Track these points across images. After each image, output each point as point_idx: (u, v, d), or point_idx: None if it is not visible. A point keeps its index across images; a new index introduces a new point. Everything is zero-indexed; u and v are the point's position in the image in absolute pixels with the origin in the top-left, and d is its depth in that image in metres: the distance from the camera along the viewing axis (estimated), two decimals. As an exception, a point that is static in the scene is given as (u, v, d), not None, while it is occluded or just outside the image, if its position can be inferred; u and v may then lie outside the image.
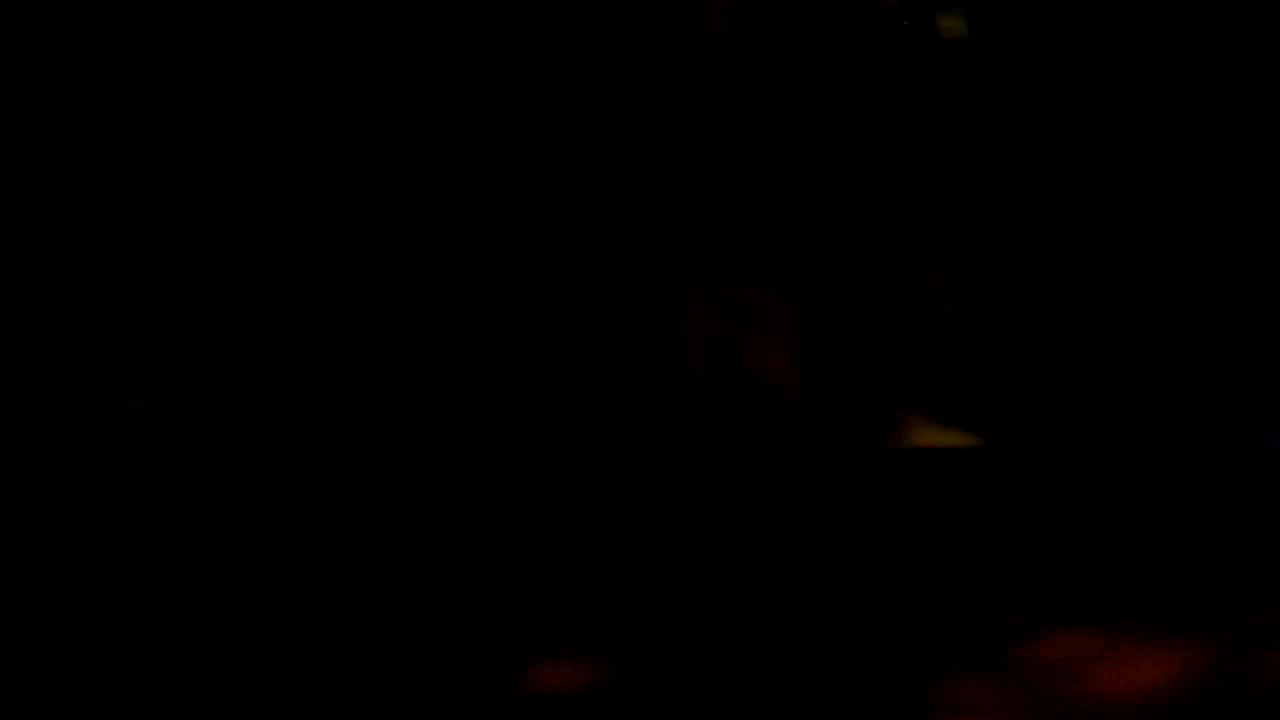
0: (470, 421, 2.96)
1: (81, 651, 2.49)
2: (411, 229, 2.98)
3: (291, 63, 2.88)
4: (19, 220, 2.84)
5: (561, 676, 2.47)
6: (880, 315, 3.05)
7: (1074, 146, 3.07)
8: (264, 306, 2.90)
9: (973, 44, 3.00)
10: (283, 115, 2.88)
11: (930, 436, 3.03)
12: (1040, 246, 3.07)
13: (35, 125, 2.83)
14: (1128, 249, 3.03)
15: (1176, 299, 2.97)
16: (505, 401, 2.98)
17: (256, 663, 2.52)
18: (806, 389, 3.04)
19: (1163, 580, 2.72)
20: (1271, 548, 2.74)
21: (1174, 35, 3.02)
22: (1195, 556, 2.76)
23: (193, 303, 2.87)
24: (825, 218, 3.06)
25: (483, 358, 2.99)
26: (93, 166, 2.86)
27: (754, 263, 3.06)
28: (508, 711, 2.35)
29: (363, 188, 2.95)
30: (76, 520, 2.74)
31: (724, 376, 3.03)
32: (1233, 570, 2.70)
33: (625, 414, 3.00)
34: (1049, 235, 3.07)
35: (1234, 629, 2.48)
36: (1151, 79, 3.01)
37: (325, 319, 2.92)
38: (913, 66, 3.02)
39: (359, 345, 2.94)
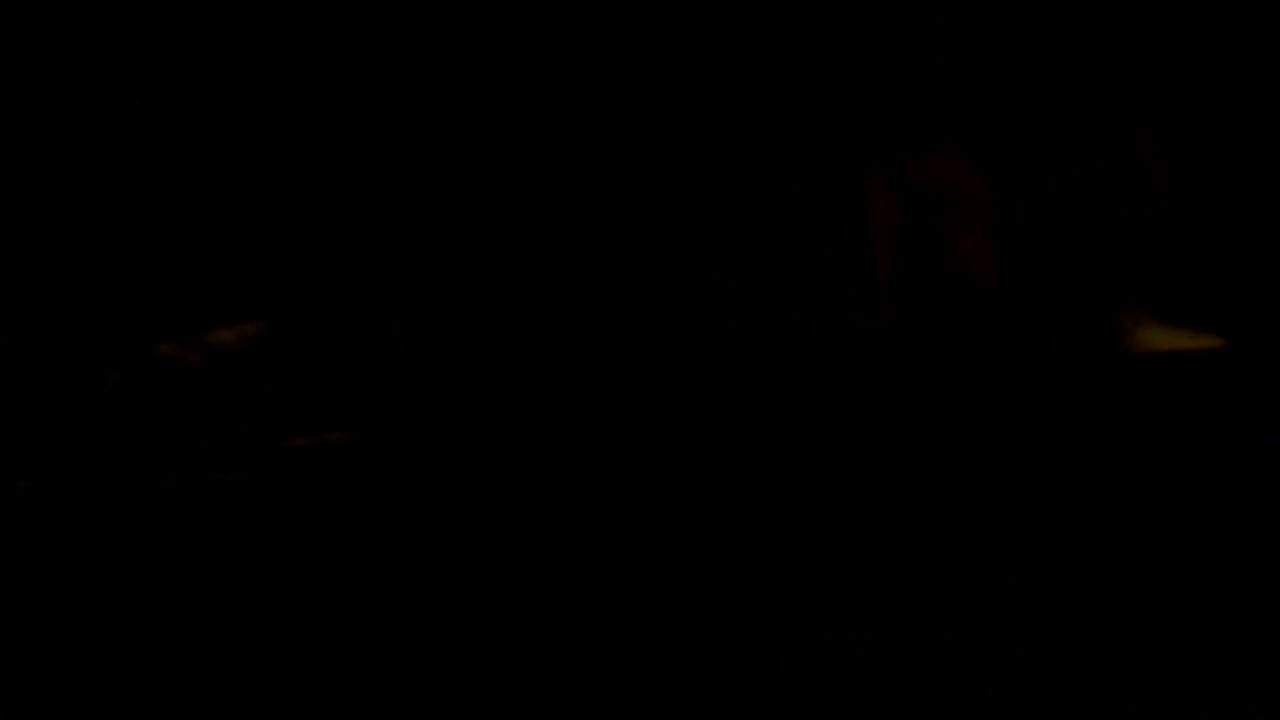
0: (646, 321, 2.56)
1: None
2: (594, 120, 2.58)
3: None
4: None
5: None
6: (1090, 197, 2.61)
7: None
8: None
9: None
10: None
11: (1154, 337, 2.60)
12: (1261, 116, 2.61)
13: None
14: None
15: None
16: (678, 302, 2.58)
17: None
18: (1008, 281, 2.62)
19: None
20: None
21: None
22: None
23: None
24: (1025, 83, 2.62)
25: (651, 250, 2.59)
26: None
27: (946, 137, 2.62)
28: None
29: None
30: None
31: (914, 266, 2.61)
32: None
33: (808, 312, 2.59)
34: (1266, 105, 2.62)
35: None
36: None
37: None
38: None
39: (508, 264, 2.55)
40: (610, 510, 2.39)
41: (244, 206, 2.39)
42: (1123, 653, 2.26)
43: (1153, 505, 2.47)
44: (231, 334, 2.27)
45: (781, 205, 2.59)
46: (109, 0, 2.30)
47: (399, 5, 2.43)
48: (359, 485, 2.23)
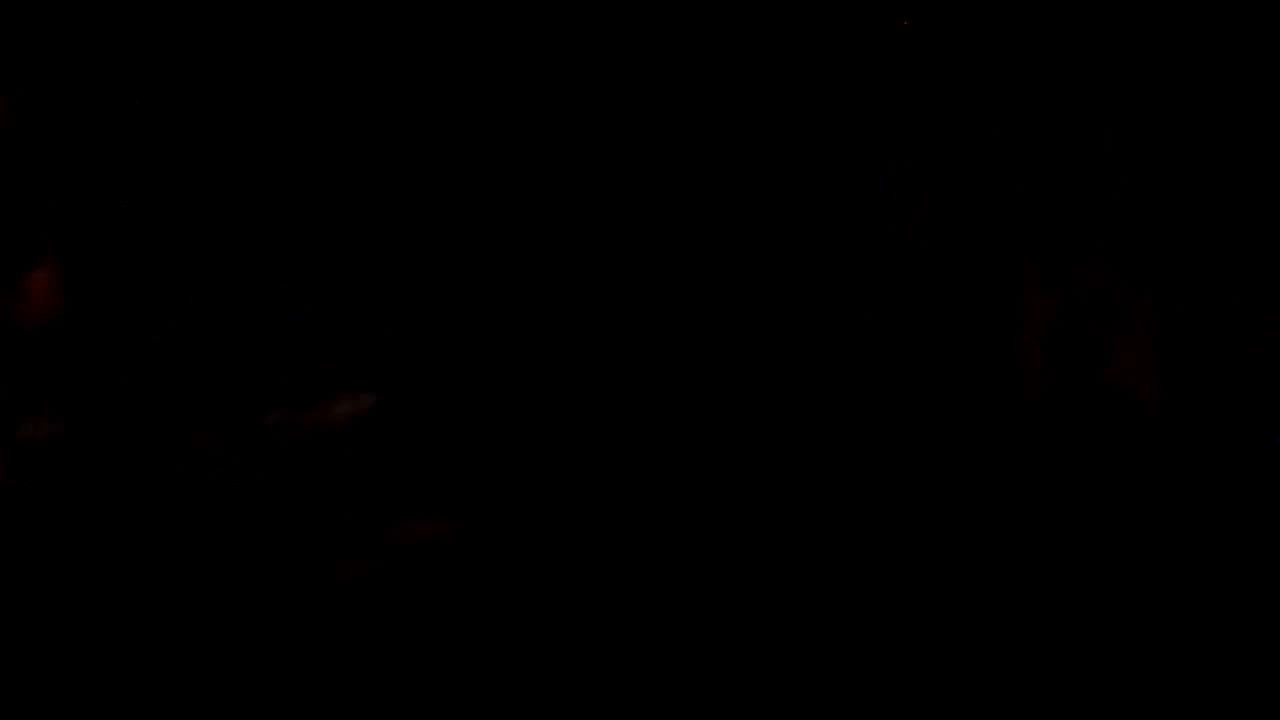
0: (765, 411, 2.47)
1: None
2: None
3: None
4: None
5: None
6: (1256, 315, 2.49)
7: None
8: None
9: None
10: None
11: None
12: None
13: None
14: None
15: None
16: (809, 394, 2.48)
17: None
18: (1169, 396, 2.49)
19: None
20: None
21: None
22: None
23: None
24: (1190, 191, 2.51)
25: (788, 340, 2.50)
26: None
27: (1105, 242, 2.52)
28: None
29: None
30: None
31: (1067, 375, 2.49)
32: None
33: (951, 414, 2.48)
34: None
35: None
36: None
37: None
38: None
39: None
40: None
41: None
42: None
43: None
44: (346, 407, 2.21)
45: (933, 298, 2.49)
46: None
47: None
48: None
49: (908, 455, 2.43)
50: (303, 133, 2.32)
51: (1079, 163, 2.51)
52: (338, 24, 2.33)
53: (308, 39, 2.33)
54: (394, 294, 2.35)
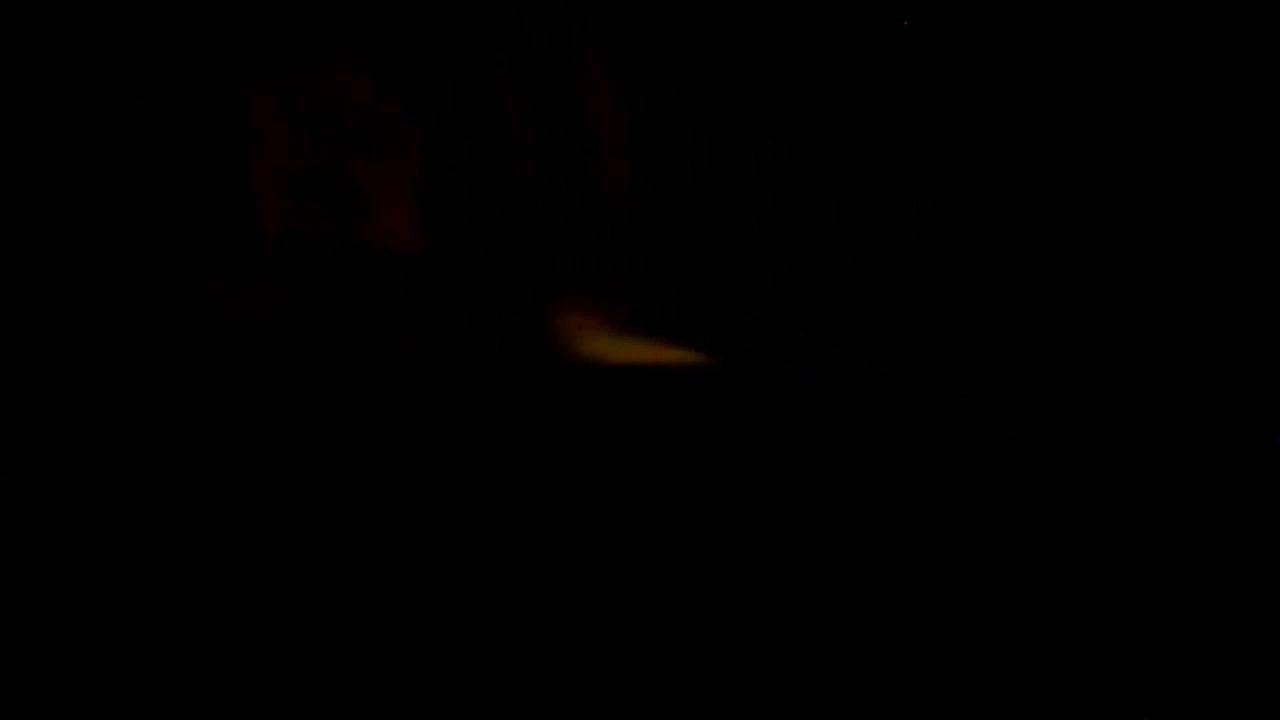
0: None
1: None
2: None
3: None
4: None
5: None
6: (543, 150, 1.85)
7: None
8: None
9: None
10: None
11: (610, 346, 1.87)
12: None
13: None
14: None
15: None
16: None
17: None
18: (437, 248, 1.91)
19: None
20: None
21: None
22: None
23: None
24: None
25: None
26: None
27: (356, 43, 1.89)
28: None
29: None
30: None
31: (307, 215, 1.92)
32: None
33: (157, 288, 1.94)
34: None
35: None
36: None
37: None
38: None
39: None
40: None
41: None
42: None
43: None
44: None
45: (117, 128, 1.91)
46: None
47: None
48: None
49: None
50: None
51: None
52: None
53: None
54: None
